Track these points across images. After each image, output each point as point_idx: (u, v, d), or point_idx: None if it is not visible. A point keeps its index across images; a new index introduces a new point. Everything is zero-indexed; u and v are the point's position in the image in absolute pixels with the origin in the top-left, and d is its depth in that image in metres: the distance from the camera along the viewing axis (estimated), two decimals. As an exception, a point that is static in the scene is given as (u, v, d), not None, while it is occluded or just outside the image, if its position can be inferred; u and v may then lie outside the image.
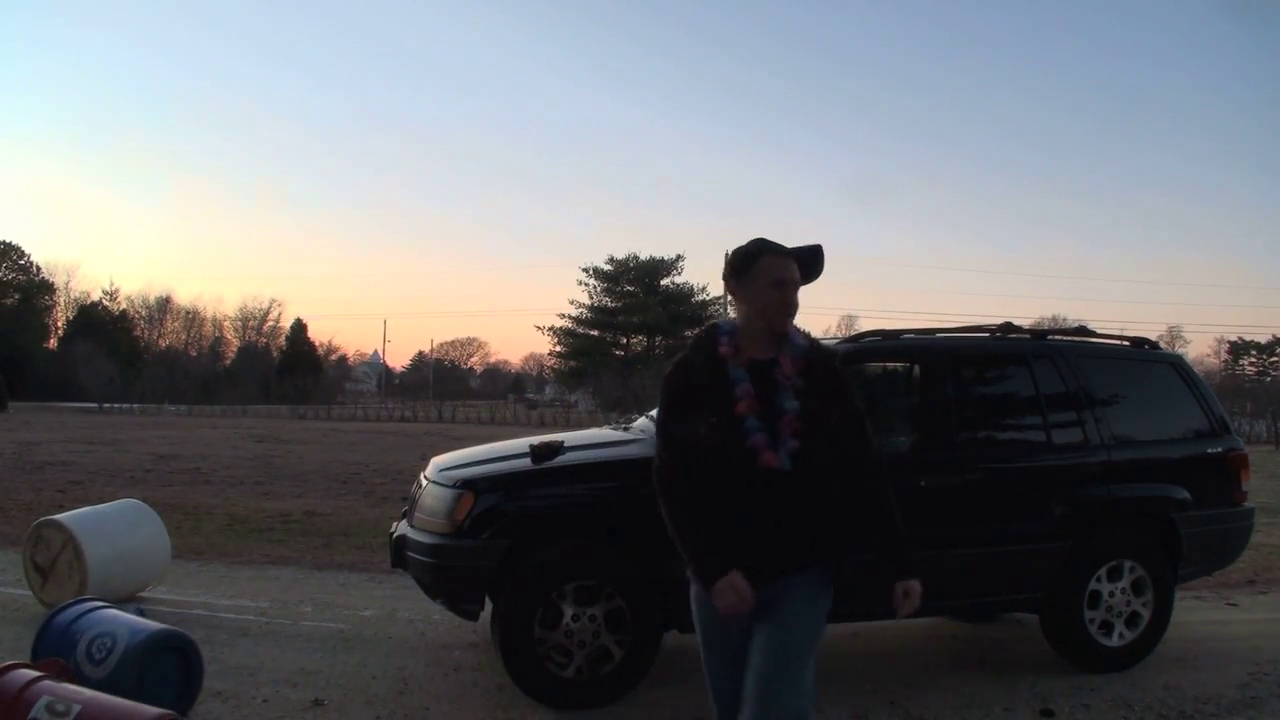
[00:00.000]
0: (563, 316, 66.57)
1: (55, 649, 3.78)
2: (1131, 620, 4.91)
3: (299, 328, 71.72)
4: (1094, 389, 5.10)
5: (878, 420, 5.44)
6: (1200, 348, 69.51)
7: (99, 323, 65.07)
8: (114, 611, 4.04)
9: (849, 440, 2.43)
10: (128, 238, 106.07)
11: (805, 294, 2.47)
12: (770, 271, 2.39)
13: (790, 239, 2.48)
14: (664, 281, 65.78)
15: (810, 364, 2.41)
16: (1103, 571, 4.86)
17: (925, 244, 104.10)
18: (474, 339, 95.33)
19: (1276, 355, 69.19)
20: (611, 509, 4.32)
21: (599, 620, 4.18)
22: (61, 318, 68.82)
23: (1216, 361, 68.23)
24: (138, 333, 69.80)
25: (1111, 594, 4.87)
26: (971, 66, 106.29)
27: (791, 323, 2.42)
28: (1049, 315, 45.62)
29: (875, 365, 6.00)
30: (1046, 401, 5.04)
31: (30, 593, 5.63)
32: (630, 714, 4.13)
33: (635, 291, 65.25)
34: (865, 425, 2.46)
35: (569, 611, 4.13)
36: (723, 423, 2.33)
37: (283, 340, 72.52)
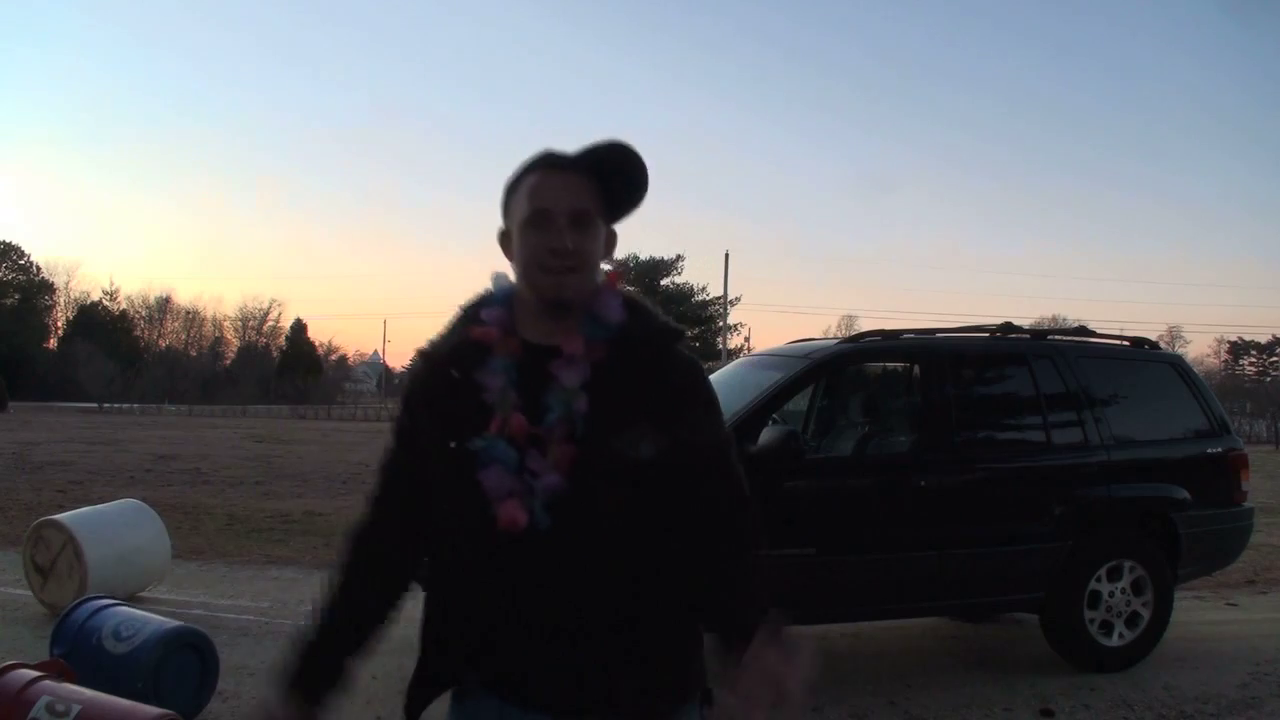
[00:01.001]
0: (562, 316, 66.60)
1: (79, 632, 3.88)
2: (1131, 620, 4.91)
3: (299, 328, 71.85)
4: (1094, 389, 5.10)
5: (878, 421, 5.53)
6: (1200, 348, 69.56)
7: (99, 323, 65.13)
8: (138, 609, 4.15)
9: (692, 483, 1.36)
10: (128, 238, 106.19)
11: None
12: (528, 200, 1.37)
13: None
14: (664, 281, 65.73)
15: (625, 352, 1.38)
16: (1103, 571, 4.86)
17: (926, 244, 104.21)
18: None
19: (1276, 355, 69.19)
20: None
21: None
22: (61, 318, 68.91)
23: (1216, 361, 68.26)
24: (138, 333, 69.87)
25: (1111, 594, 4.87)
26: (971, 66, 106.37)
27: (573, 284, 1.36)
28: (1049, 315, 45.66)
29: (875, 365, 6.02)
30: (1046, 401, 5.04)
31: (30, 593, 5.63)
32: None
33: (635, 291, 65.33)
34: (728, 458, 1.43)
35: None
36: (457, 449, 1.35)
37: (283, 340, 72.58)
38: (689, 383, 1.43)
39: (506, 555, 1.33)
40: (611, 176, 1.39)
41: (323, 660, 1.45)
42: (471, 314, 1.45)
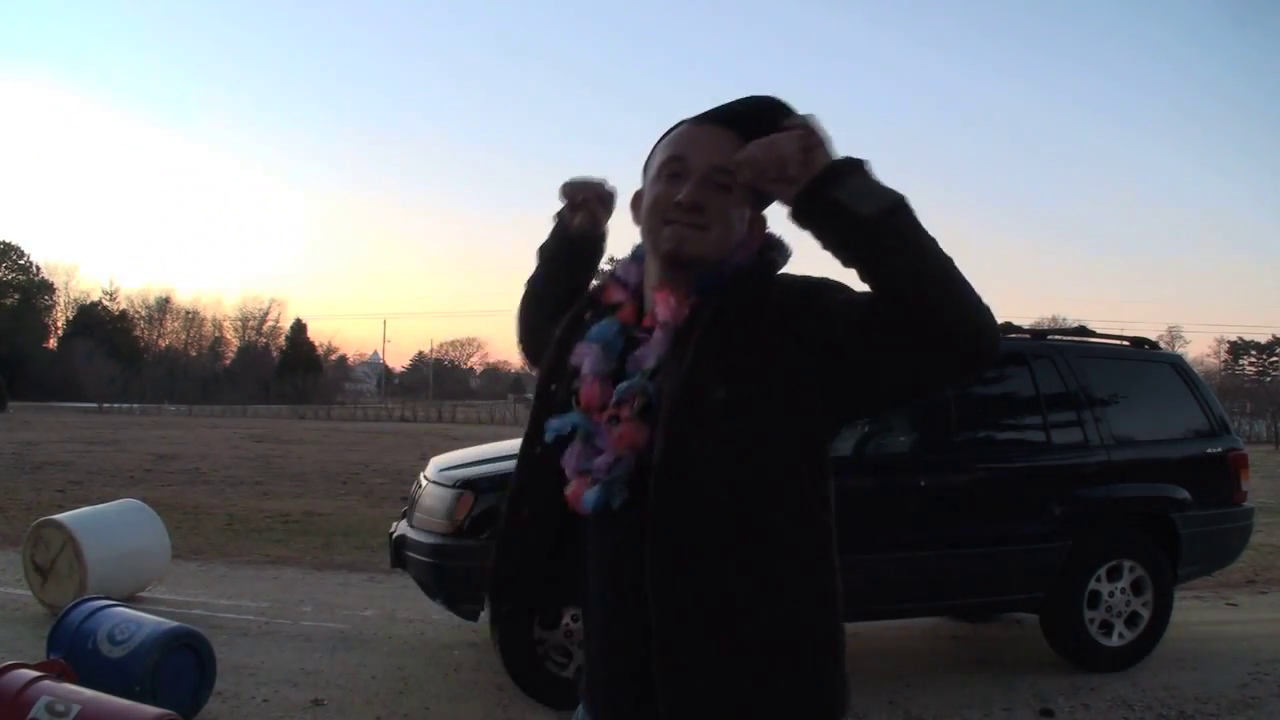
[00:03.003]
0: (563, 316, 66.64)
1: (74, 635, 3.86)
2: (1131, 620, 4.92)
3: (299, 328, 71.83)
4: (1094, 389, 5.10)
5: (878, 420, 5.52)
6: (1200, 348, 69.57)
7: (99, 323, 65.12)
8: (133, 610, 4.13)
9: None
10: (128, 238, 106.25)
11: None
12: (664, 148, 1.25)
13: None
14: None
15: (738, 299, 1.18)
16: (1102, 571, 4.86)
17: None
18: (474, 339, 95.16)
19: (1276, 355, 69.13)
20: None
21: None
22: (61, 318, 68.85)
23: (1216, 361, 68.20)
24: (138, 333, 69.86)
25: (1111, 594, 4.87)
26: (970, 66, 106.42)
27: (695, 240, 1.18)
28: (1049, 315, 45.64)
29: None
30: (1046, 401, 5.04)
31: (30, 593, 5.63)
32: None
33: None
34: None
35: (569, 611, 4.13)
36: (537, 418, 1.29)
37: (283, 340, 72.56)
38: (797, 301, 1.18)
39: (592, 541, 1.23)
40: (758, 127, 1.18)
41: None
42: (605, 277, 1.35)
